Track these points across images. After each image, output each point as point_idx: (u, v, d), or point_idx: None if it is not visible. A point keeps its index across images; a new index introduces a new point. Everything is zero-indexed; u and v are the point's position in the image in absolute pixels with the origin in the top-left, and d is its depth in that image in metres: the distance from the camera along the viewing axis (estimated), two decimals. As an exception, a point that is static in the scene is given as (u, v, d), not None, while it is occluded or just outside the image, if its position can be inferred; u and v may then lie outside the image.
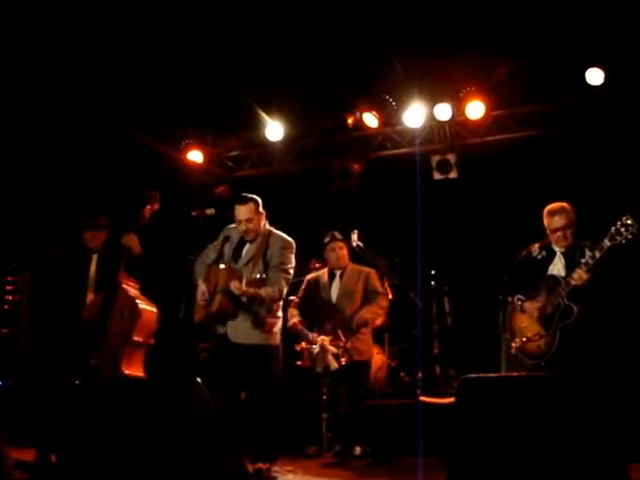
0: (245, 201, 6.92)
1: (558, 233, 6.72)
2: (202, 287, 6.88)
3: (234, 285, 6.58)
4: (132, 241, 7.23)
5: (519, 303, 6.82)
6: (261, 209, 7.00)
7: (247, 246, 6.98)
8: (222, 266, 6.87)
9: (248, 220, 6.88)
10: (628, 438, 5.42)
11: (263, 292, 6.71)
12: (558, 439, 4.92)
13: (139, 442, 5.15)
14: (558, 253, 6.78)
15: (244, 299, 6.75)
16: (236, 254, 6.97)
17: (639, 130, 9.20)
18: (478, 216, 10.33)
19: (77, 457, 5.42)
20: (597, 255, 6.30)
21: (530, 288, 6.80)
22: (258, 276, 6.61)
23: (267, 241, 6.93)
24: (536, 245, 6.94)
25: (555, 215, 6.75)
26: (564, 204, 6.79)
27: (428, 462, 6.99)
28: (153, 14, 8.73)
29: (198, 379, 5.19)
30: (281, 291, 6.86)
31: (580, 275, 6.38)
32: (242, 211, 6.90)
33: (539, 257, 6.86)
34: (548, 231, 6.84)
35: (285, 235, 7.07)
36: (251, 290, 6.61)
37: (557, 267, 6.74)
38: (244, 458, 5.68)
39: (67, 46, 8.88)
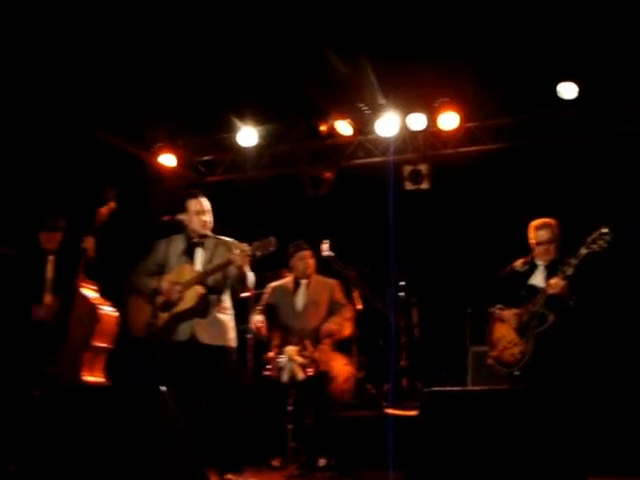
0: (201, 195, 7.07)
1: (542, 247, 7.04)
2: (165, 285, 6.81)
3: (239, 256, 6.59)
4: (89, 244, 7.27)
5: (498, 312, 7.11)
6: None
7: (199, 250, 7.00)
8: (177, 267, 6.91)
9: (208, 212, 7.01)
10: (589, 451, 5.58)
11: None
12: (520, 452, 5.03)
13: (99, 452, 5.19)
14: (540, 266, 7.08)
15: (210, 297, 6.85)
16: (188, 259, 6.98)
17: (611, 144, 9.39)
18: (449, 228, 10.44)
19: (36, 467, 5.45)
20: (573, 262, 6.61)
21: (512, 299, 7.07)
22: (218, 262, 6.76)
23: (217, 242, 6.99)
24: (520, 260, 7.22)
25: (541, 229, 7.07)
26: (550, 220, 7.11)
27: (394, 475, 7.05)
28: (128, 14, 8.73)
29: (162, 387, 5.24)
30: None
31: (556, 282, 6.67)
32: (200, 203, 7.01)
33: (522, 270, 7.13)
34: (533, 244, 7.13)
35: (229, 239, 7.10)
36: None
37: (537, 279, 7.03)
38: (208, 469, 5.71)
39: (32, 39, 8.83)
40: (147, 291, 6.89)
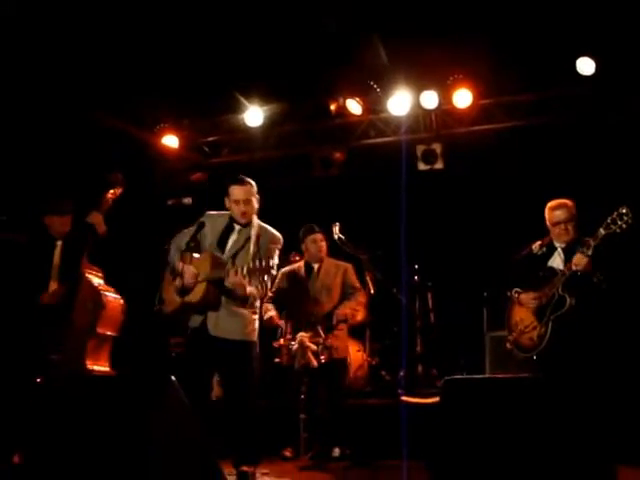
0: (243, 182, 6.63)
1: (559, 227, 6.89)
2: (190, 269, 6.49)
3: (233, 278, 6.25)
4: (97, 219, 7.07)
5: (516, 296, 6.99)
6: (256, 194, 6.75)
7: (234, 235, 6.66)
8: (204, 254, 6.58)
9: (247, 201, 6.59)
10: (617, 439, 5.46)
11: (248, 289, 6.46)
12: (546, 441, 4.90)
13: (107, 443, 5.07)
14: (558, 248, 6.94)
15: (233, 292, 6.48)
16: (221, 243, 6.66)
17: (630, 121, 9.22)
18: (464, 209, 10.32)
19: (42, 458, 5.34)
20: (592, 243, 6.48)
21: (530, 283, 6.94)
22: (251, 265, 6.22)
23: (259, 232, 6.66)
24: (537, 243, 7.08)
25: (557, 209, 6.92)
26: (566, 200, 6.95)
27: (410, 464, 6.96)
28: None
29: (172, 377, 5.11)
30: (266, 288, 6.62)
31: (579, 259, 6.53)
32: (241, 191, 6.59)
33: (539, 253, 7.01)
34: (550, 225, 6.99)
35: (274, 230, 6.79)
36: (248, 286, 6.38)
37: (556, 261, 6.91)
38: (220, 461, 5.59)
39: (33, 24, 8.75)
40: (171, 267, 6.66)
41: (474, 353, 8.94)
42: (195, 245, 6.64)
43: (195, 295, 6.49)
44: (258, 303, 6.83)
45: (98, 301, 7.05)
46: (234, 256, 6.55)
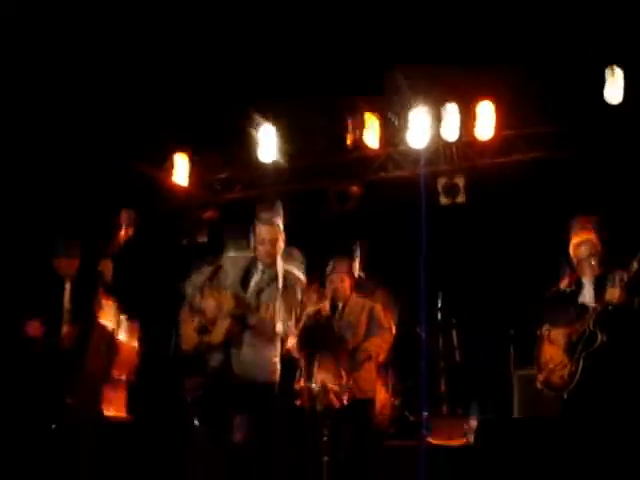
0: (271, 221, 6.30)
1: (584, 263, 6.87)
2: (212, 304, 6.23)
3: (264, 313, 6.09)
4: (106, 268, 7.08)
5: (546, 333, 6.89)
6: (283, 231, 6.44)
7: (257, 276, 6.37)
8: (226, 292, 6.26)
9: (273, 241, 6.28)
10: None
11: (278, 326, 6.21)
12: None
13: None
14: (586, 284, 6.88)
15: (259, 330, 6.24)
16: (243, 283, 6.36)
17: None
18: (488, 243, 10.16)
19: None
20: (625, 278, 6.44)
21: (561, 320, 6.85)
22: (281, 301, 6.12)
23: (284, 273, 6.34)
24: (565, 281, 7.07)
25: (581, 246, 6.92)
26: (590, 235, 6.93)
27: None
28: (137, 27, 8.61)
29: (195, 422, 4.93)
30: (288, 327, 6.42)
31: (612, 292, 6.49)
32: (268, 230, 6.27)
33: (568, 291, 6.98)
34: (575, 261, 6.97)
35: (297, 271, 6.45)
36: (276, 318, 6.16)
37: (586, 297, 6.84)
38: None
39: (39, 57, 8.72)
40: (189, 305, 6.41)
41: (500, 392, 8.76)
42: (215, 283, 6.41)
43: (217, 334, 6.24)
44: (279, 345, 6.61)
45: (112, 344, 7.08)
46: (258, 294, 6.30)
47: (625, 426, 5.52)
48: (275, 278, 6.32)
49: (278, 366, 6.51)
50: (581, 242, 6.89)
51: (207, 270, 6.49)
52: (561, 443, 5.04)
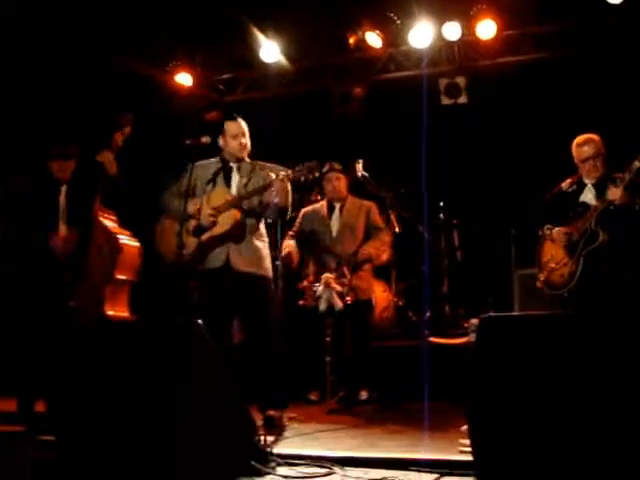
0: (236, 117, 6.90)
1: (587, 163, 6.85)
2: (198, 208, 6.66)
3: (278, 183, 6.45)
4: (107, 159, 7.03)
5: (548, 232, 6.95)
6: None
7: (235, 174, 6.87)
8: (216, 190, 6.77)
9: (244, 135, 6.84)
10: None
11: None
12: (590, 382, 4.80)
13: (133, 389, 5.01)
14: (589, 185, 6.90)
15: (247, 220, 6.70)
16: (224, 183, 6.84)
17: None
18: (489, 144, 10.14)
19: (65, 405, 5.29)
20: (627, 177, 6.44)
21: (562, 219, 6.89)
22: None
23: (254, 166, 6.85)
24: (567, 180, 7.04)
25: (584, 145, 6.88)
26: (592, 135, 6.90)
27: (437, 406, 6.89)
28: None
29: (198, 320, 5.01)
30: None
31: (614, 191, 6.50)
32: (239, 125, 6.86)
33: (569, 190, 6.98)
34: (578, 163, 6.95)
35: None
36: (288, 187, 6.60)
37: (588, 197, 6.87)
38: (250, 406, 5.54)
39: None
40: (178, 213, 6.62)
41: (502, 292, 8.86)
42: (194, 189, 6.78)
43: (223, 226, 6.63)
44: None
45: (114, 245, 7.01)
46: (245, 186, 6.76)
47: (624, 323, 5.56)
48: (252, 169, 6.83)
49: (269, 259, 6.88)
50: (584, 142, 6.86)
51: (184, 180, 6.73)
52: (561, 340, 5.06)
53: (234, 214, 6.60)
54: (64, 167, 7.23)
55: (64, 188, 7.23)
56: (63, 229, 7.09)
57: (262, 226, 6.89)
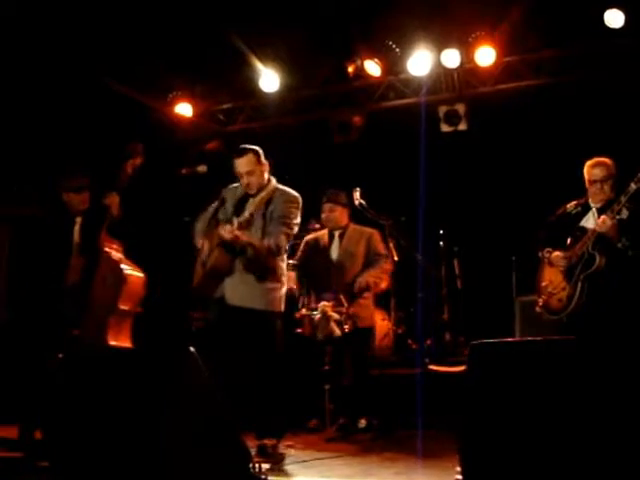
0: (243, 153, 6.75)
1: (595, 186, 6.89)
2: (206, 242, 6.73)
3: (224, 229, 6.42)
4: (113, 201, 7.09)
5: (547, 255, 7.00)
6: (263, 160, 6.82)
7: (250, 200, 6.74)
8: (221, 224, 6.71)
9: (249, 173, 6.69)
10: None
11: (257, 242, 6.57)
12: (584, 408, 4.90)
13: (128, 417, 5.14)
14: (593, 208, 6.95)
15: (245, 250, 6.60)
16: (238, 210, 6.75)
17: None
18: (489, 171, 10.30)
19: (63, 433, 5.44)
20: (623, 200, 6.48)
21: (562, 243, 6.97)
22: (247, 214, 6.47)
23: (271, 195, 6.75)
24: (573, 202, 7.10)
25: (595, 167, 6.93)
26: (605, 158, 6.95)
27: (436, 434, 7.07)
28: None
29: (191, 348, 5.15)
30: (279, 245, 6.67)
31: (604, 220, 6.54)
32: (241, 163, 6.72)
33: (574, 212, 7.03)
34: (587, 183, 6.99)
35: (291, 190, 6.90)
36: (244, 236, 6.46)
37: (589, 221, 6.90)
38: (244, 435, 5.63)
39: None
40: (195, 243, 6.87)
41: (503, 319, 8.95)
42: (222, 215, 6.79)
43: (209, 262, 6.68)
44: (280, 271, 6.87)
45: (119, 275, 7.06)
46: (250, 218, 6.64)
47: (622, 348, 5.58)
48: (260, 203, 6.69)
49: (277, 294, 6.83)
50: (596, 164, 6.91)
51: (211, 208, 6.84)
52: (551, 366, 5.15)
53: (218, 252, 6.63)
54: (78, 200, 7.30)
55: (78, 220, 7.32)
56: (75, 261, 7.16)
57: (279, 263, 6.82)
